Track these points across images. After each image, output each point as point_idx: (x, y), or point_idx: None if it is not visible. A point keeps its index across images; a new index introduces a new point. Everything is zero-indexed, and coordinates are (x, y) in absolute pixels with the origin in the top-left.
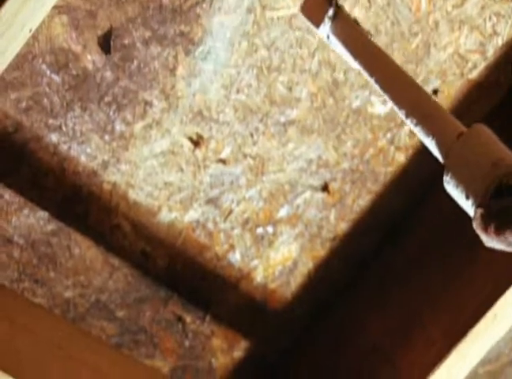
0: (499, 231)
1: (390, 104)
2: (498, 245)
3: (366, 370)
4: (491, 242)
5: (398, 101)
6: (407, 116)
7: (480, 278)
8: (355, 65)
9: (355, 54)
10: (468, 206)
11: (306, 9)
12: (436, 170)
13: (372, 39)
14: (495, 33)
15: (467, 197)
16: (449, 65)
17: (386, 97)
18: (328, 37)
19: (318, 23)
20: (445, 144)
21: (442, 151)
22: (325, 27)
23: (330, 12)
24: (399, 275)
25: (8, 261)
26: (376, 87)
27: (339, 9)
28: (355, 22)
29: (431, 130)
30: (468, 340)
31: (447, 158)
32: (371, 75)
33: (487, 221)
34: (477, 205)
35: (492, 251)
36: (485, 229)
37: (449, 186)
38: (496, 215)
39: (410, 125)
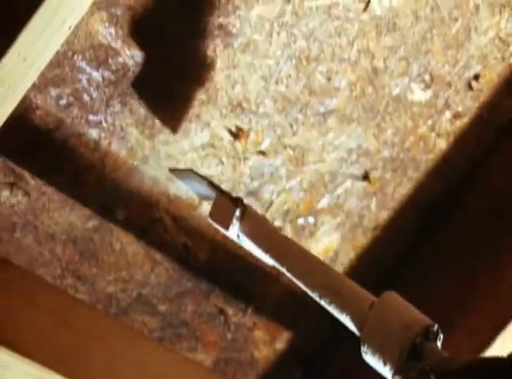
0: None
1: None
2: None
3: None
4: None
5: (310, 285)
6: (320, 298)
7: None
8: (266, 258)
9: (265, 248)
10: (386, 372)
11: (214, 215)
12: (478, 156)
13: (281, 232)
14: None
15: (384, 364)
16: (490, 50)
17: (299, 284)
18: (238, 237)
19: (227, 225)
20: (358, 317)
21: (356, 324)
22: (235, 227)
23: (237, 212)
24: (441, 264)
25: (51, 258)
26: (288, 276)
27: (245, 209)
28: (263, 218)
29: (343, 307)
30: None
31: (362, 330)
32: (282, 265)
33: None
34: (394, 373)
35: None
36: None
37: (367, 357)
38: (413, 376)
39: (325, 305)
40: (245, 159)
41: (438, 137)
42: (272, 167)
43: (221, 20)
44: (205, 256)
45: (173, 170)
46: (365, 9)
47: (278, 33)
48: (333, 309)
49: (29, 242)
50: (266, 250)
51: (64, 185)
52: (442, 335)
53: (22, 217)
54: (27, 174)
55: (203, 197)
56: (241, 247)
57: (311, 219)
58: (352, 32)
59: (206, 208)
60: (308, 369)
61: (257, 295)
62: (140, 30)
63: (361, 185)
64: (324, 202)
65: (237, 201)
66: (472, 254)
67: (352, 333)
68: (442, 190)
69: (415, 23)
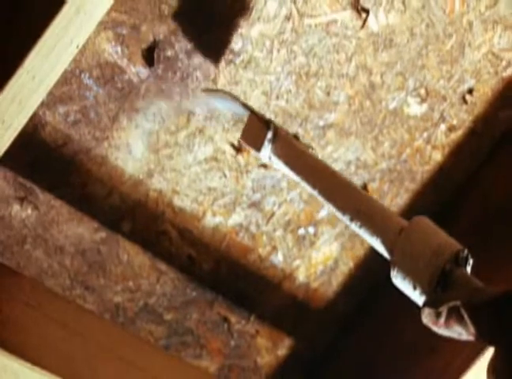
0: (447, 325)
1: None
2: (449, 334)
3: (409, 363)
4: (441, 332)
5: (341, 208)
6: (351, 221)
7: None
8: (298, 180)
9: (297, 170)
10: (416, 296)
11: (246, 137)
12: (472, 168)
13: (312, 151)
14: None
15: (414, 288)
16: (483, 65)
17: (330, 207)
18: (270, 158)
19: (259, 147)
20: (389, 241)
21: (386, 248)
22: (266, 149)
23: (269, 135)
24: None
25: (60, 270)
26: (320, 198)
27: (277, 131)
28: (296, 138)
29: (374, 230)
30: None
31: (392, 254)
32: (314, 188)
33: (435, 317)
34: (424, 300)
35: None
36: (435, 323)
37: (397, 281)
38: (443, 310)
39: (355, 229)
40: (247, 171)
41: (433, 149)
42: (273, 180)
43: (224, 37)
44: (209, 266)
45: (206, 90)
46: (362, 26)
47: (278, 50)
48: (363, 233)
49: (39, 254)
50: (298, 173)
51: (72, 198)
52: (471, 261)
53: (32, 230)
54: (36, 189)
55: (236, 115)
56: (244, 257)
57: (311, 229)
58: (350, 49)
59: (210, 219)
60: (309, 374)
61: (260, 303)
62: (144, 48)
63: None
64: (323, 213)
65: (269, 123)
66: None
67: (352, 339)
68: (438, 201)
69: (411, 39)
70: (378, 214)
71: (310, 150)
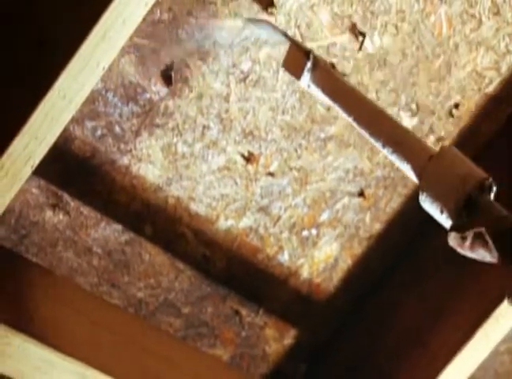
0: (472, 248)
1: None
2: (473, 256)
3: (401, 352)
4: (466, 254)
5: (375, 135)
6: (383, 147)
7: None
8: (335, 107)
9: (334, 99)
10: (442, 220)
11: (287, 64)
12: None
13: (346, 78)
14: (508, 52)
15: (441, 212)
16: (468, 82)
17: (364, 133)
18: (309, 86)
19: (298, 75)
20: (418, 167)
21: (416, 173)
22: (306, 78)
23: (308, 64)
24: (428, 269)
25: (88, 269)
26: (354, 125)
27: (316, 61)
28: (332, 66)
29: (404, 156)
30: (491, 322)
31: (421, 179)
32: (349, 115)
33: (460, 241)
34: (451, 225)
35: None
36: (460, 246)
37: (424, 204)
38: (469, 235)
39: (387, 154)
40: (256, 179)
41: None
42: (279, 187)
43: (234, 59)
44: (222, 265)
45: (250, 20)
46: (360, 48)
47: (284, 70)
48: (395, 159)
49: (69, 255)
50: (335, 101)
51: (99, 205)
52: (495, 188)
53: (63, 233)
54: (67, 196)
55: (276, 42)
56: (254, 256)
57: (314, 231)
58: (348, 68)
59: (223, 222)
60: (313, 361)
61: (268, 298)
62: (163, 69)
63: (357, 200)
64: (325, 216)
65: (309, 53)
66: (457, 260)
67: (351, 330)
68: None
69: (403, 59)
70: (409, 142)
71: (344, 78)
